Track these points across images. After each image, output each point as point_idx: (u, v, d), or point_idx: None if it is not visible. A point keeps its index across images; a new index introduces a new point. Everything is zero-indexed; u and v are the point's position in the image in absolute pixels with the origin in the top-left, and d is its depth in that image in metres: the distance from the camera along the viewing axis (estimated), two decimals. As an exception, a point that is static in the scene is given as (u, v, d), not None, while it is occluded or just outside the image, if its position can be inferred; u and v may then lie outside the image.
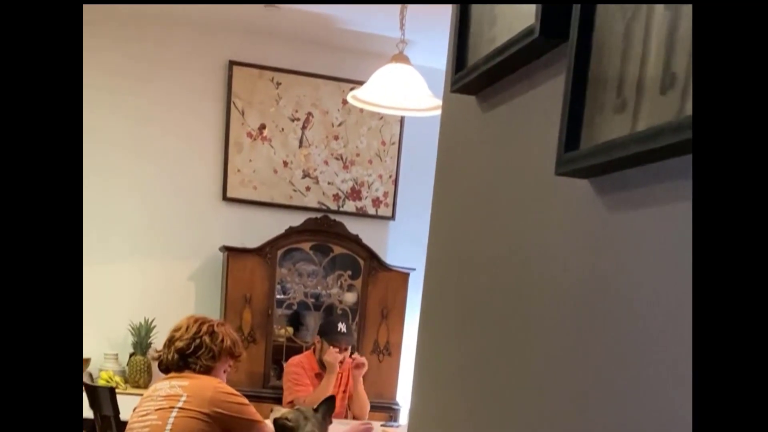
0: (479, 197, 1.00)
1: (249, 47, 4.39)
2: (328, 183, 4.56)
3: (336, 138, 4.55)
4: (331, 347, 3.65)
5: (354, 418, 3.77)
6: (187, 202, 4.40)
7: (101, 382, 3.85)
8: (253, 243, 4.20)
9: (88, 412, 2.84)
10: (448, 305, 1.09)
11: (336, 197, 4.57)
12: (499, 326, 0.91)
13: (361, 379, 3.77)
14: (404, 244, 4.50)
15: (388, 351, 4.33)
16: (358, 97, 3.20)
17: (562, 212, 0.78)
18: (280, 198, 4.49)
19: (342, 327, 3.71)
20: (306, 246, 4.29)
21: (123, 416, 2.58)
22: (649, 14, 0.64)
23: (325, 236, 4.29)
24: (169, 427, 2.52)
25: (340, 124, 4.55)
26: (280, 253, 4.23)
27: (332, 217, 4.34)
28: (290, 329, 4.37)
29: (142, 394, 2.79)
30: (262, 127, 4.44)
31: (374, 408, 3.93)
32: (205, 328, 2.72)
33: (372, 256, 4.32)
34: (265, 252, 4.18)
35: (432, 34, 3.41)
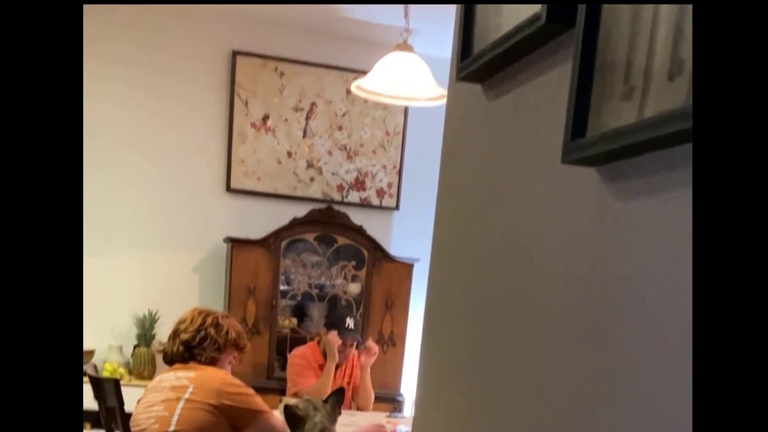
0: (485, 186, 1.00)
1: (252, 37, 4.37)
2: (332, 173, 4.54)
3: (340, 128, 4.53)
4: (333, 332, 3.64)
5: (358, 409, 3.77)
6: (191, 193, 4.39)
7: (105, 374, 3.85)
8: (257, 234, 4.19)
9: (92, 404, 2.83)
10: (454, 295, 1.08)
11: (340, 188, 4.56)
12: (505, 316, 0.90)
13: (369, 369, 3.76)
14: (408, 234, 4.49)
15: (393, 342, 4.32)
16: (362, 86, 3.18)
17: (569, 201, 0.78)
18: (284, 189, 4.48)
19: (350, 323, 3.70)
20: (310, 237, 4.28)
21: (128, 408, 2.58)
22: (657, -1, 0.63)
23: (329, 227, 4.28)
24: (175, 418, 2.52)
25: (344, 115, 4.53)
26: (284, 244, 4.22)
27: (336, 207, 4.33)
28: (294, 320, 4.37)
29: (146, 386, 2.79)
30: (266, 117, 4.42)
31: (378, 399, 3.92)
32: (210, 320, 2.73)
33: (376, 247, 4.31)
34: (269, 243, 4.17)
35: (436, 22, 3.39)
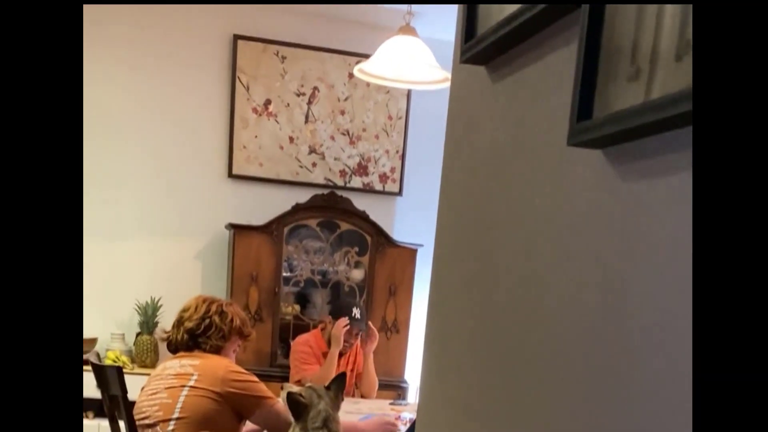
0: (490, 170, 0.99)
1: (253, 20, 4.33)
2: (335, 159, 4.51)
3: (342, 113, 4.49)
4: (342, 319, 3.62)
5: (362, 396, 3.76)
6: (193, 179, 4.37)
7: (108, 362, 3.84)
8: (260, 220, 4.17)
9: (95, 392, 2.83)
10: (458, 281, 1.07)
11: (342, 173, 4.53)
12: (510, 301, 0.90)
13: (371, 356, 3.76)
14: (412, 219, 4.47)
15: (396, 328, 4.30)
16: (364, 70, 3.15)
17: (575, 184, 0.76)
18: (286, 174, 4.45)
19: (356, 313, 3.68)
20: (313, 223, 4.25)
21: (130, 396, 2.57)
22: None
23: (332, 212, 4.25)
24: (179, 405, 2.52)
25: (346, 99, 4.49)
26: (286, 230, 4.20)
27: (339, 193, 4.30)
28: (297, 307, 4.35)
29: (149, 374, 2.79)
30: (268, 102, 4.39)
31: (382, 386, 3.91)
32: (214, 308, 2.73)
33: (379, 233, 4.28)
34: (271, 229, 4.15)
35: (439, 5, 3.35)
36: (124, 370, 2.67)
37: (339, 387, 2.58)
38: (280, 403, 2.64)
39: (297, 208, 4.20)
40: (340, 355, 3.69)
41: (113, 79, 4.18)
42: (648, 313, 0.63)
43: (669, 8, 0.60)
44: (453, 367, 1.08)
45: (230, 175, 4.40)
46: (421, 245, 4.18)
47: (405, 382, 4.35)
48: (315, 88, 4.45)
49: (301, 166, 4.47)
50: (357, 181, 4.56)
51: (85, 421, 4.00)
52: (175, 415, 2.52)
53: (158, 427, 2.52)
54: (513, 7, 0.86)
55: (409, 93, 4.50)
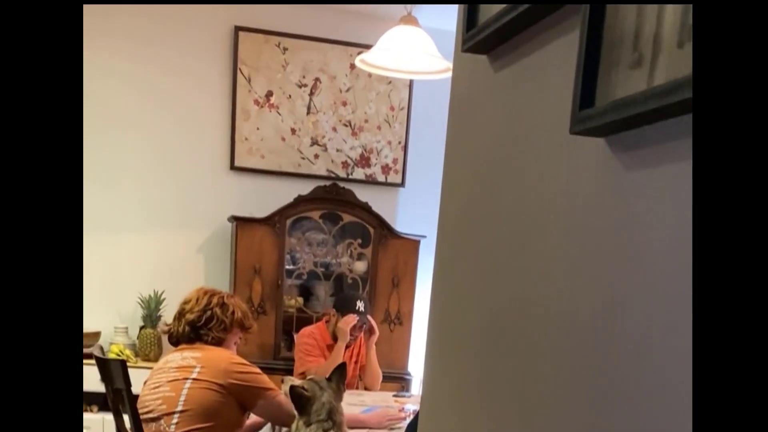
0: (492, 159, 0.98)
1: (254, 12, 4.31)
2: (337, 150, 4.50)
3: (344, 104, 4.48)
4: (350, 314, 3.62)
5: (365, 389, 3.75)
6: (195, 172, 4.36)
7: (111, 356, 3.83)
8: (262, 213, 4.16)
9: (99, 386, 2.83)
10: (461, 272, 1.07)
11: (345, 164, 4.51)
12: (514, 291, 0.89)
13: (374, 347, 3.75)
14: (414, 211, 4.45)
15: (400, 320, 4.30)
16: (366, 60, 3.13)
17: (577, 172, 0.76)
18: (288, 166, 4.44)
19: (360, 305, 3.67)
20: (315, 215, 4.24)
21: (135, 389, 2.57)
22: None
23: (335, 204, 4.24)
24: (182, 398, 2.52)
25: (348, 90, 4.47)
26: (289, 222, 4.19)
27: (341, 184, 4.29)
28: (300, 300, 4.34)
29: (152, 368, 2.78)
30: (269, 94, 4.37)
31: (386, 378, 3.91)
32: (215, 300, 2.73)
33: (382, 224, 4.27)
34: (274, 221, 4.14)
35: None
36: (128, 364, 2.66)
37: (340, 377, 2.59)
38: (283, 395, 2.64)
39: (299, 200, 4.19)
40: (345, 347, 3.68)
41: (114, 72, 4.17)
42: (650, 303, 0.63)
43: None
44: (456, 359, 1.07)
45: (232, 167, 4.39)
46: (424, 236, 4.17)
47: (408, 373, 4.34)
48: (317, 80, 4.43)
49: (303, 158, 4.46)
50: (359, 173, 4.54)
51: (90, 415, 4.00)
52: (179, 408, 2.51)
53: (162, 421, 2.52)
54: (515, -4, 0.85)
55: (411, 83, 4.49)
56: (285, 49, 4.36)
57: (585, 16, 0.70)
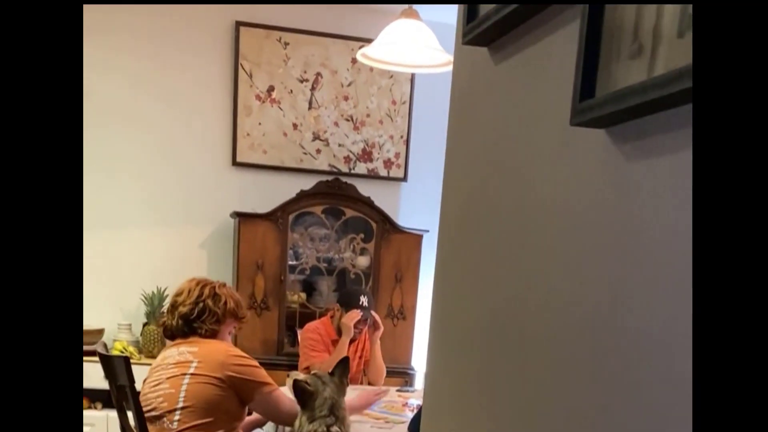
0: (493, 152, 0.98)
1: (255, 7, 4.30)
2: (339, 145, 4.49)
3: (346, 98, 4.47)
4: (354, 309, 3.62)
5: (369, 384, 3.75)
6: (197, 168, 4.36)
7: (115, 353, 3.84)
8: (264, 208, 4.16)
9: (103, 383, 2.83)
10: (463, 266, 1.07)
11: (347, 159, 4.51)
12: (516, 284, 0.89)
13: (378, 342, 3.75)
14: (417, 205, 4.45)
15: (403, 315, 4.29)
16: (367, 55, 3.12)
17: (578, 164, 0.76)
18: (290, 161, 4.43)
19: (364, 300, 3.67)
20: (317, 210, 4.24)
21: (138, 386, 2.56)
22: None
23: (337, 199, 4.23)
24: (182, 394, 2.51)
25: (349, 84, 4.46)
26: (291, 217, 4.18)
27: (343, 179, 4.28)
28: (303, 295, 4.34)
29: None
30: (271, 89, 4.37)
31: (389, 373, 3.90)
32: (207, 291, 2.69)
33: (384, 219, 4.26)
34: (276, 217, 4.13)
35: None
36: (132, 361, 2.66)
37: (343, 372, 2.58)
38: (281, 391, 2.63)
39: (301, 196, 4.18)
40: (350, 342, 3.68)
41: (115, 69, 4.16)
42: (651, 295, 0.63)
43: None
44: (458, 354, 1.07)
45: (234, 163, 4.39)
46: (427, 231, 4.16)
47: (412, 368, 4.34)
48: (318, 74, 4.42)
49: (305, 153, 4.45)
50: (361, 167, 4.53)
51: (94, 412, 4.01)
52: (180, 405, 2.50)
53: (165, 419, 2.51)
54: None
55: (412, 77, 4.47)
56: (286, 43, 4.35)
57: (585, 7, 0.71)
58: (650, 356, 0.62)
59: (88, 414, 3.94)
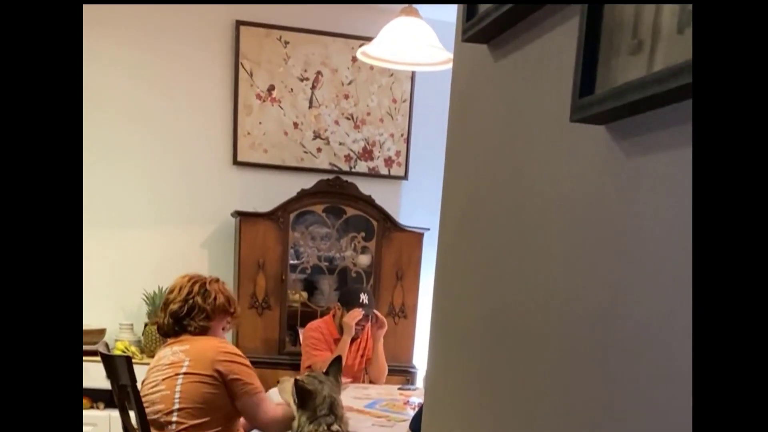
0: (493, 149, 0.98)
1: (255, 6, 4.30)
2: (339, 143, 4.49)
3: (346, 97, 4.47)
4: (355, 308, 3.63)
5: (371, 382, 3.76)
6: (198, 167, 4.36)
7: (117, 353, 3.84)
8: (265, 207, 4.15)
9: (105, 383, 2.83)
10: (464, 262, 1.07)
11: (348, 158, 4.51)
12: (516, 281, 0.89)
13: (381, 340, 3.75)
14: (418, 203, 4.45)
15: (404, 313, 4.29)
16: (367, 53, 3.12)
17: (579, 160, 0.76)
18: (291, 160, 4.43)
19: (364, 298, 3.68)
20: (318, 208, 4.23)
21: (139, 386, 2.56)
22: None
23: (338, 198, 4.23)
24: (177, 395, 2.49)
25: (350, 83, 4.46)
26: (292, 216, 4.18)
27: (344, 178, 4.28)
28: (304, 294, 4.34)
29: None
30: (271, 88, 4.37)
31: (391, 371, 3.91)
32: (196, 288, 2.67)
33: (385, 217, 4.26)
34: (277, 216, 4.13)
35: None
36: (134, 361, 2.66)
37: (337, 370, 2.60)
38: (265, 395, 2.59)
39: (302, 194, 4.18)
40: (352, 341, 3.69)
41: (115, 68, 4.16)
42: (651, 291, 0.63)
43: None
44: (459, 351, 1.07)
45: (235, 162, 4.39)
46: (428, 229, 4.16)
47: (413, 366, 4.34)
48: (318, 73, 4.42)
49: (305, 152, 4.45)
50: (362, 166, 4.53)
51: (96, 412, 4.01)
52: (176, 407, 2.49)
53: (163, 421, 2.51)
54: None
55: (413, 75, 4.47)
56: (286, 42, 4.35)
57: (584, 4, 0.70)
58: (650, 352, 0.62)
59: (90, 414, 3.94)
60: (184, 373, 2.51)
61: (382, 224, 4.26)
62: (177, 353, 2.58)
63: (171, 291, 2.70)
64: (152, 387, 2.57)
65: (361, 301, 3.67)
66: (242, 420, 2.66)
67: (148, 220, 4.32)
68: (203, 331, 2.64)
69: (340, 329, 3.69)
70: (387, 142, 4.54)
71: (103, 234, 4.16)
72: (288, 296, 4.22)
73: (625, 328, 0.66)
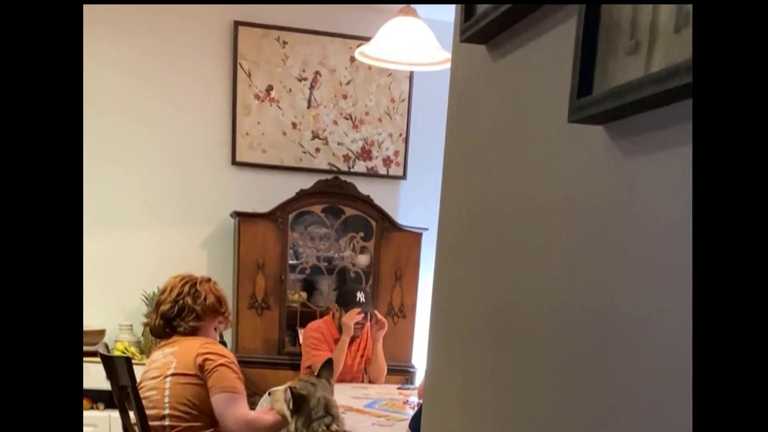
0: (492, 149, 0.98)
1: (253, 6, 4.30)
2: (338, 143, 4.49)
3: (344, 97, 4.47)
4: (354, 309, 3.63)
5: (370, 382, 3.76)
6: (196, 168, 4.36)
7: (117, 353, 3.84)
8: (264, 207, 4.15)
9: (105, 384, 2.83)
10: (462, 262, 1.07)
11: (346, 158, 4.51)
12: (515, 280, 0.89)
13: (381, 340, 3.76)
14: (416, 203, 4.45)
15: (403, 313, 4.29)
16: (366, 53, 3.12)
17: (576, 160, 0.76)
18: (289, 160, 4.43)
19: (360, 296, 3.69)
20: (317, 209, 4.23)
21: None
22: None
23: (337, 198, 4.23)
24: (167, 399, 2.48)
25: (348, 83, 4.46)
26: (291, 216, 4.18)
27: (343, 178, 4.28)
28: (304, 294, 4.34)
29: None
30: (270, 88, 4.37)
31: (390, 371, 3.91)
32: (187, 288, 2.66)
33: (384, 217, 4.26)
34: (276, 216, 4.13)
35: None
36: (133, 361, 2.66)
37: (329, 372, 2.61)
38: (241, 397, 2.51)
39: (301, 195, 4.17)
40: (351, 340, 3.69)
41: (114, 68, 4.16)
42: (651, 290, 0.63)
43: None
44: (458, 351, 1.07)
45: (234, 162, 4.39)
46: (426, 229, 4.16)
47: (413, 366, 4.34)
48: (317, 73, 4.42)
49: (304, 152, 4.45)
50: (361, 166, 4.53)
51: (96, 413, 4.01)
52: (166, 411, 2.48)
53: (158, 424, 2.50)
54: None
55: (411, 75, 4.47)
56: (284, 43, 4.35)
57: (582, 4, 0.70)
58: (650, 352, 0.62)
59: (90, 414, 3.94)
60: (172, 375, 2.50)
61: (381, 224, 4.26)
62: (167, 356, 2.57)
63: (163, 292, 2.69)
64: (146, 391, 2.56)
65: (357, 300, 3.68)
66: None
67: (148, 221, 4.32)
68: (193, 332, 2.63)
69: (340, 329, 3.70)
70: (385, 141, 4.55)
71: (102, 235, 4.15)
72: (287, 296, 4.22)
73: (625, 327, 0.66)
